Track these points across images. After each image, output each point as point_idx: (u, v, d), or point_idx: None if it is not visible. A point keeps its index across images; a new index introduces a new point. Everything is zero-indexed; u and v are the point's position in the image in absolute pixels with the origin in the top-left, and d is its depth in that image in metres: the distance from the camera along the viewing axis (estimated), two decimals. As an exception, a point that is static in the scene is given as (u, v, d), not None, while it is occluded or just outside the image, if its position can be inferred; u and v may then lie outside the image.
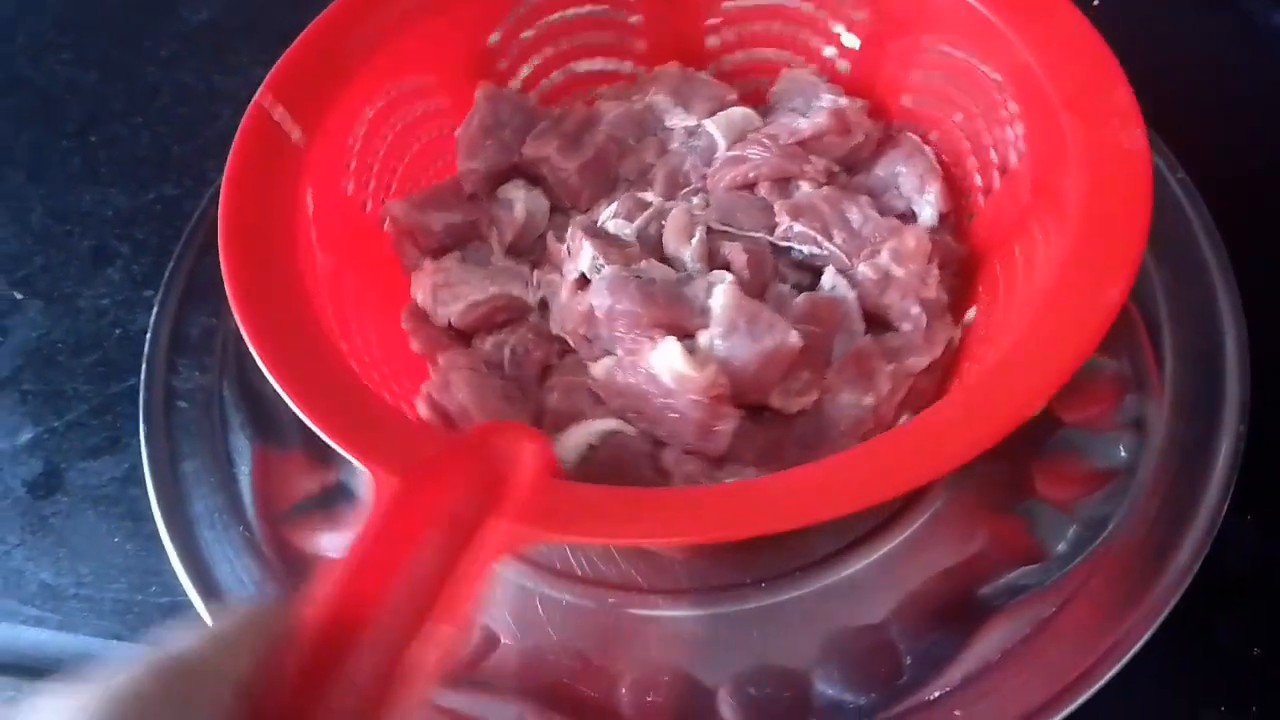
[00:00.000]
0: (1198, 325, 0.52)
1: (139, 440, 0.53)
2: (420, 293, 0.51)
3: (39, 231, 0.67)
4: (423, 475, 0.35)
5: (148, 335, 0.56)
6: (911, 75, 0.55)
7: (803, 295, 0.48)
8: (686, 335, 0.46)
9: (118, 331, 0.62)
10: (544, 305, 0.52)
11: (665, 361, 0.44)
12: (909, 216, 0.53)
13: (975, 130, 0.52)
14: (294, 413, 0.37)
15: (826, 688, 0.44)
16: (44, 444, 0.58)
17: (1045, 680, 0.42)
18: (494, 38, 0.56)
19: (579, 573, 0.47)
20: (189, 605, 0.47)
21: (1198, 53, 0.68)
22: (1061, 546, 0.47)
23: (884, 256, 0.49)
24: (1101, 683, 0.42)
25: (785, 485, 0.35)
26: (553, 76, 0.60)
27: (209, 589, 0.47)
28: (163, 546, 0.49)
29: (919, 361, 0.47)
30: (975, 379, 0.37)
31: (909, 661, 0.44)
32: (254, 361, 0.38)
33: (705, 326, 0.46)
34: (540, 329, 0.50)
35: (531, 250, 0.55)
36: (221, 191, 0.44)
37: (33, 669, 0.50)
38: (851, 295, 0.48)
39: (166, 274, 0.59)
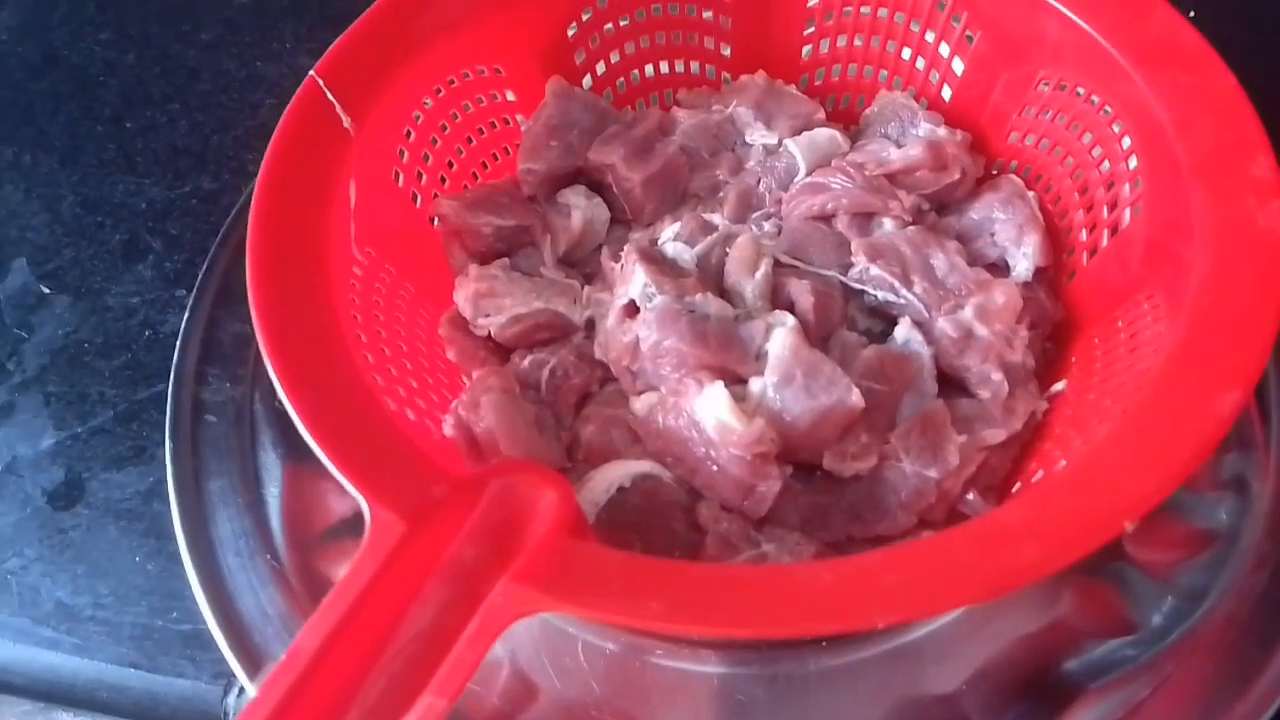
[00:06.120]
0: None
1: (165, 451, 0.50)
2: (462, 299, 0.47)
3: (70, 222, 0.64)
4: (429, 519, 0.32)
5: (178, 341, 0.53)
6: (1021, 111, 0.50)
7: (871, 348, 0.44)
8: (737, 380, 0.42)
9: (147, 333, 0.59)
10: (591, 325, 0.48)
11: (710, 409, 0.40)
12: (1001, 267, 0.48)
13: (1087, 180, 0.46)
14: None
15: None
16: (66, 451, 0.55)
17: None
18: (572, 29, 0.53)
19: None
20: (210, 635, 0.44)
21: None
22: (1156, 619, 0.42)
23: (968, 312, 0.44)
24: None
25: (830, 578, 0.31)
26: (631, 75, 0.56)
27: (231, 623, 0.44)
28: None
29: (994, 435, 0.42)
30: (1050, 484, 0.33)
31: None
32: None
33: (759, 373, 0.42)
34: (584, 351, 0.47)
35: (586, 262, 0.52)
36: (259, 176, 0.41)
37: (47, 694, 0.48)
38: (927, 353, 0.44)
39: (200, 275, 0.55)
